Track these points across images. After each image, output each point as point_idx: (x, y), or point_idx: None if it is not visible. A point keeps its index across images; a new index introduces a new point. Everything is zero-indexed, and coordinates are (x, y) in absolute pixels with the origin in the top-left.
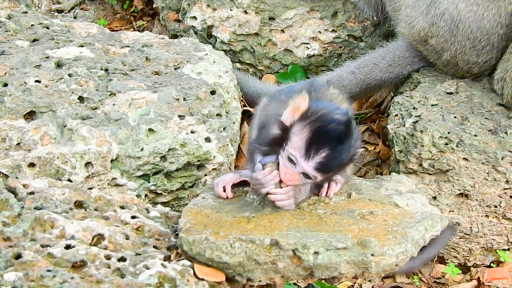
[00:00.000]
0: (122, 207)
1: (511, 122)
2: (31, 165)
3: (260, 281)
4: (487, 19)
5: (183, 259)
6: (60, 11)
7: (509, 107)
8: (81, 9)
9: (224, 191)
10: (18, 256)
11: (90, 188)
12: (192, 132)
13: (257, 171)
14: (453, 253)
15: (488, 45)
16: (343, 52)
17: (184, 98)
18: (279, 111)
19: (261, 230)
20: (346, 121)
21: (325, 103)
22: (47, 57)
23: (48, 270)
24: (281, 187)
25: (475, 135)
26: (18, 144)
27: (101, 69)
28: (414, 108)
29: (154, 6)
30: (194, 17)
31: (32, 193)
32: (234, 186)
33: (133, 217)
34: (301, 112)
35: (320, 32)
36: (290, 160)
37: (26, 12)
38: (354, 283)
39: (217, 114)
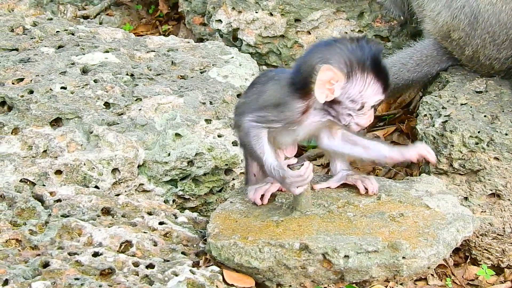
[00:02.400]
0: (149, 213)
1: None
2: (58, 172)
3: (290, 286)
4: (505, 12)
5: (212, 265)
6: (85, 17)
7: None
8: (107, 14)
9: (261, 199)
10: (45, 265)
11: (117, 195)
12: (219, 136)
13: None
14: (486, 255)
15: (507, 40)
16: None
17: (210, 102)
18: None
19: (290, 234)
20: (366, 38)
21: (340, 50)
22: (72, 64)
23: (76, 279)
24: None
25: (506, 134)
26: (45, 151)
27: (127, 74)
28: (443, 107)
29: (179, 10)
30: (220, 20)
31: (59, 200)
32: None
33: (160, 223)
34: (344, 74)
35: (347, 33)
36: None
37: (51, 19)
38: (386, 287)
39: None
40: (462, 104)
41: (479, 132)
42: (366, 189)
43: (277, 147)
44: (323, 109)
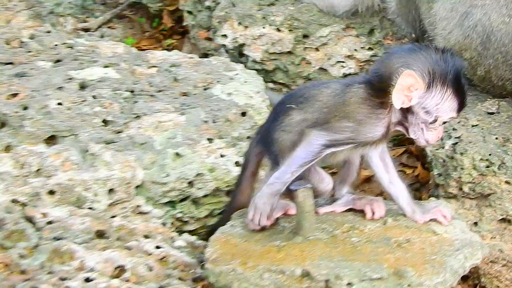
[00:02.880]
0: (146, 237)
1: None
2: (51, 192)
3: None
4: None
5: None
6: (86, 30)
7: None
8: (109, 27)
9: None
10: None
11: (113, 217)
12: (221, 156)
13: None
14: (495, 282)
15: None
16: None
17: (213, 120)
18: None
19: (292, 260)
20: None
21: (424, 58)
22: (70, 79)
23: None
24: None
25: None
26: (38, 170)
27: (127, 90)
28: (453, 129)
29: (184, 24)
30: (225, 35)
31: (51, 222)
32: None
33: (157, 247)
34: (425, 83)
35: (356, 50)
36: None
37: (49, 32)
38: None
39: (248, 137)
40: (473, 126)
41: (490, 154)
42: (372, 213)
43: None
44: (398, 122)
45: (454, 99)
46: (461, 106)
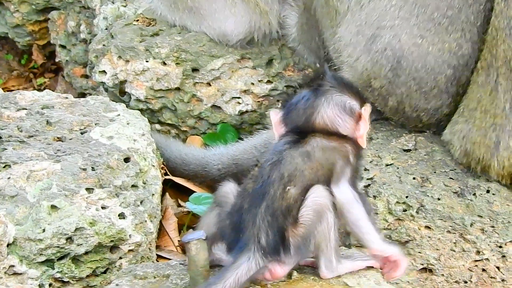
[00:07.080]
0: None
1: (480, 181)
2: None
3: None
4: (432, 54)
5: None
6: None
7: None
8: None
9: None
10: None
11: None
12: (102, 207)
13: None
14: None
15: (436, 87)
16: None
17: (92, 168)
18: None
19: None
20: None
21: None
22: None
23: None
24: None
25: (438, 199)
26: None
27: None
28: (365, 169)
29: (57, 60)
30: (104, 72)
31: None
32: None
33: None
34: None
35: (253, 84)
36: None
37: None
38: None
39: (133, 186)
40: (387, 165)
41: (407, 197)
42: None
43: None
44: None
45: None
46: None
